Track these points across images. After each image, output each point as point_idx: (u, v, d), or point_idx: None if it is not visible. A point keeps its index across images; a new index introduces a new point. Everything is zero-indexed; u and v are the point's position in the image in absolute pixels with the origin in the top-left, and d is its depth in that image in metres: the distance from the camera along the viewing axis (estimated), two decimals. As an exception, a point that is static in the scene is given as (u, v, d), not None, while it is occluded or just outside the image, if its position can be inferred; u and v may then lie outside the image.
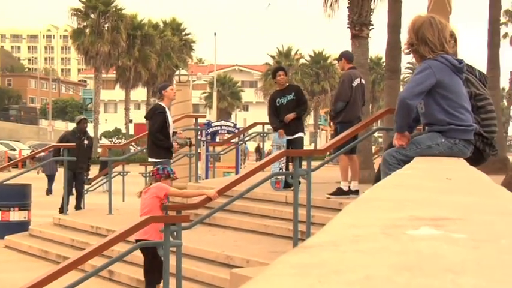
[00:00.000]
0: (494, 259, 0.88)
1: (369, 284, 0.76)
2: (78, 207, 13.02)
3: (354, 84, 9.31)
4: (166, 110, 9.73)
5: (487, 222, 1.26)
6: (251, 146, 53.21)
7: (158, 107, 9.73)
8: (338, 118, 9.27)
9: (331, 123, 9.35)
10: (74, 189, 13.37)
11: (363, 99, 9.59)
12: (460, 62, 4.03)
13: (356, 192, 8.79)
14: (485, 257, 0.90)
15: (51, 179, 20.56)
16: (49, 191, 20.28)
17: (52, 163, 17.40)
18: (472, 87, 4.50)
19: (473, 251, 0.94)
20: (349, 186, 9.18)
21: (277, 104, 10.31)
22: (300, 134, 10.19)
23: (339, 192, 8.99)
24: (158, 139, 9.52)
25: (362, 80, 9.57)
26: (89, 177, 14.15)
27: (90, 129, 49.42)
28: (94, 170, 16.68)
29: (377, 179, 4.52)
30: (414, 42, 3.99)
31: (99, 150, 41.54)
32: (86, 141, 13.18)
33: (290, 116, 10.00)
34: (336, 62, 10.16)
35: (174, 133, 10.11)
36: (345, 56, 9.65)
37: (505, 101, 78.80)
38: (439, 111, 4.01)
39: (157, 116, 9.60)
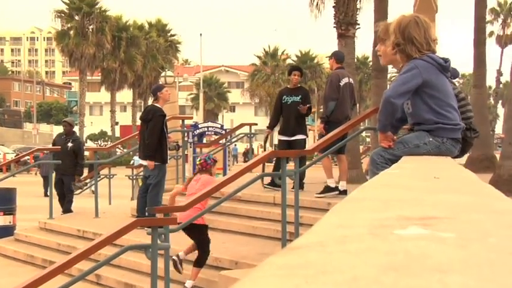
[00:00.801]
0: (482, 258, 0.88)
1: (356, 284, 0.76)
2: (65, 210, 12.91)
3: (341, 84, 9.36)
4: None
5: (475, 220, 1.26)
6: (241, 147, 53.28)
7: (158, 109, 9.64)
8: (330, 117, 9.31)
9: (323, 127, 9.33)
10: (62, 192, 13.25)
11: (353, 99, 9.63)
12: (446, 60, 4.06)
13: (344, 192, 8.82)
14: (473, 256, 0.90)
15: (47, 180, 20.48)
16: (46, 193, 20.19)
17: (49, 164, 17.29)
18: None
19: (461, 250, 0.94)
20: (337, 185, 9.21)
21: (283, 102, 10.36)
22: (299, 136, 10.15)
23: (327, 190, 9.02)
24: (154, 143, 9.43)
25: (350, 80, 9.61)
26: (78, 182, 13.73)
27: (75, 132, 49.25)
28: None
29: None
30: (401, 42, 3.99)
31: (86, 153, 41.41)
32: (69, 144, 13.01)
33: (304, 107, 9.96)
34: (328, 59, 10.23)
35: None
36: (335, 56, 9.74)
37: (491, 99, 79.38)
38: (427, 110, 4.03)
39: (158, 119, 9.53)
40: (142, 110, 10.23)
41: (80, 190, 14.20)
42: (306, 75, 65.17)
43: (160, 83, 19.70)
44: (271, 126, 10.62)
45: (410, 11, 9.04)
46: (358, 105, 11.61)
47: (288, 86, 10.65)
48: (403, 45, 3.99)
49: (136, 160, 34.43)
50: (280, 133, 10.47)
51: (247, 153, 54.71)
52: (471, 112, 4.54)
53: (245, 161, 44.74)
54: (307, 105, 10.09)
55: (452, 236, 1.05)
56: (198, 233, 7.32)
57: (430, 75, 3.97)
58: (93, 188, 13.68)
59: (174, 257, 7.21)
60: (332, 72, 9.60)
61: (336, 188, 9.05)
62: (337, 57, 9.68)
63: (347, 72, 9.81)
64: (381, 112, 4.06)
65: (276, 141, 10.54)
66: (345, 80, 9.42)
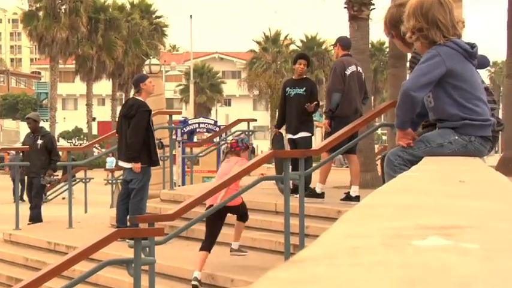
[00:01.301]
0: (509, 271, 0.90)
1: (368, 301, 0.78)
2: (32, 219, 12.89)
3: (347, 73, 9.37)
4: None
5: (502, 230, 1.28)
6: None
7: (142, 104, 9.63)
8: (336, 112, 9.33)
9: (328, 123, 9.39)
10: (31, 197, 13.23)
11: (362, 90, 9.63)
12: (473, 46, 4.05)
13: (357, 198, 8.84)
14: (499, 269, 0.92)
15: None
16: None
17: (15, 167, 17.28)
18: None
19: (486, 262, 0.96)
20: (348, 192, 9.23)
21: (286, 94, 10.39)
22: (303, 134, 10.11)
23: (311, 195, 9.08)
24: (139, 143, 9.43)
25: (359, 68, 9.61)
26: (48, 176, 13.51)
27: (46, 128, 49.19)
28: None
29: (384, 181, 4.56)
30: (424, 26, 3.98)
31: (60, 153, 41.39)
32: (38, 142, 13.01)
33: (311, 105, 9.95)
34: (332, 47, 10.27)
35: None
36: (340, 42, 9.74)
37: None
38: (451, 104, 4.03)
39: (142, 115, 9.52)
40: (123, 103, 10.20)
41: (49, 185, 14.02)
42: (313, 63, 65.18)
43: (144, 72, 19.73)
44: (279, 125, 10.60)
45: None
46: (373, 97, 11.67)
47: (294, 76, 10.64)
48: (426, 30, 3.98)
49: (110, 162, 34.11)
50: (286, 131, 10.49)
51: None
52: (495, 104, 4.57)
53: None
54: (315, 102, 10.06)
55: (477, 247, 1.07)
56: (236, 212, 7.99)
57: (455, 63, 3.97)
58: (66, 193, 13.69)
59: (195, 282, 7.40)
60: (336, 60, 9.62)
61: (323, 195, 9.21)
62: (342, 43, 9.71)
63: (354, 60, 9.83)
64: (399, 107, 4.07)
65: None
66: (351, 69, 9.42)
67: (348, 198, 9.06)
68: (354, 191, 9.14)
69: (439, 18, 3.95)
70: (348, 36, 13.16)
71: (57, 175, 13.32)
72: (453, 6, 4.05)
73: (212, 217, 7.50)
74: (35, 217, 12.92)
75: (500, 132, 4.48)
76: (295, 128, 10.14)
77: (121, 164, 9.88)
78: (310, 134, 10.30)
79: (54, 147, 13.21)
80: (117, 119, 10.62)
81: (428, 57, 3.97)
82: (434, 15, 3.96)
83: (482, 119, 4.06)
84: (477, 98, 4.06)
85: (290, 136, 10.25)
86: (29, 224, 12.63)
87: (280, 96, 10.65)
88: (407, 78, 4.06)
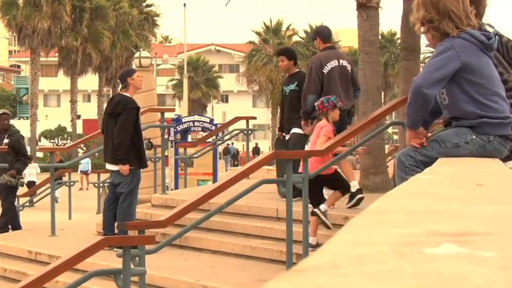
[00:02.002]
0: (527, 281, 0.91)
1: (375, 312, 0.79)
2: (1, 228, 12.74)
3: (325, 71, 9.43)
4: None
5: (522, 237, 1.29)
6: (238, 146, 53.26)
7: (129, 100, 9.60)
8: (314, 113, 9.41)
9: (306, 124, 9.54)
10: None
11: (350, 84, 9.65)
12: (489, 37, 4.06)
13: (360, 191, 8.94)
14: (517, 279, 0.93)
15: None
16: None
17: None
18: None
19: (502, 271, 0.97)
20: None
21: (283, 93, 10.57)
22: (295, 130, 10.18)
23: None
24: (126, 143, 9.43)
25: (342, 61, 9.62)
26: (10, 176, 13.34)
27: (26, 127, 49.24)
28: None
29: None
30: (434, 17, 4.00)
31: (39, 154, 41.40)
32: (5, 141, 12.88)
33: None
34: (313, 41, 10.32)
35: None
36: (319, 35, 9.85)
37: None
38: (467, 101, 4.04)
39: (130, 112, 9.51)
40: (109, 100, 10.19)
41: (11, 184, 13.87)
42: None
43: (134, 66, 19.74)
44: (281, 127, 10.67)
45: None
46: (383, 93, 11.80)
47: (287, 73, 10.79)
48: (437, 21, 4.00)
49: (85, 163, 33.85)
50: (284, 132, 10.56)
51: (237, 155, 54.59)
52: None
53: (235, 165, 44.73)
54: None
55: (494, 255, 1.08)
56: (331, 182, 8.30)
57: (470, 56, 3.98)
58: (47, 198, 13.66)
59: (316, 210, 7.83)
60: (312, 58, 9.65)
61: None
62: (323, 35, 9.79)
63: (337, 52, 9.90)
64: (410, 105, 4.08)
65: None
66: (331, 65, 9.47)
67: (352, 196, 9.07)
68: (354, 186, 9.20)
69: (451, 9, 3.96)
70: (356, 25, 13.22)
71: (22, 177, 13.10)
72: None
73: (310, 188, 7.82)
74: (3, 226, 12.75)
75: None
76: (289, 126, 10.23)
77: (108, 166, 9.87)
78: (300, 130, 10.35)
79: (22, 147, 13.11)
80: (102, 118, 10.61)
81: (441, 51, 3.98)
82: (445, 5, 3.97)
83: (501, 116, 4.06)
84: (495, 93, 4.06)
85: (287, 136, 10.33)
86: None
87: (281, 97, 10.71)
88: (420, 73, 4.06)
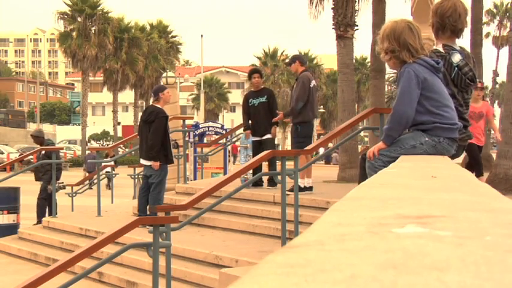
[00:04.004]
0: (478, 256, 0.88)
1: (355, 282, 0.76)
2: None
3: (311, 86, 9.73)
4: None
5: (471, 219, 1.26)
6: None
7: (160, 111, 9.55)
8: (298, 118, 9.63)
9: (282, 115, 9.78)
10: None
11: (317, 100, 10.20)
12: (438, 62, 4.07)
13: (310, 188, 9.29)
14: (470, 254, 0.90)
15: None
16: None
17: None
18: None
19: (458, 248, 0.94)
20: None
21: (250, 105, 10.59)
22: (269, 136, 10.48)
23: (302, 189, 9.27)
24: (158, 144, 9.39)
25: (315, 82, 10.01)
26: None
27: (78, 131, 49.03)
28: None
29: (361, 177, 4.52)
30: (396, 48, 3.99)
31: (88, 152, 41.39)
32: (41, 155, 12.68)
33: (280, 116, 10.13)
34: (289, 64, 10.56)
35: None
36: (298, 59, 10.09)
37: (488, 99, 79.40)
38: (424, 113, 4.01)
39: (161, 120, 9.47)
40: (144, 110, 10.17)
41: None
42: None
43: (162, 83, 19.69)
44: (247, 128, 10.79)
45: (408, 13, 9.03)
46: (356, 105, 12.00)
47: (252, 89, 10.92)
48: (398, 52, 3.99)
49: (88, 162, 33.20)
50: (252, 134, 10.69)
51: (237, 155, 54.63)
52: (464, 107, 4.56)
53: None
54: (281, 112, 10.29)
55: (450, 234, 1.05)
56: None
57: (425, 74, 3.98)
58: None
59: None
60: (302, 75, 9.87)
61: (304, 189, 9.33)
62: (300, 60, 10.18)
63: (312, 75, 10.26)
64: (393, 129, 3.96)
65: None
66: (313, 83, 9.84)
67: (302, 189, 9.18)
68: (308, 182, 9.43)
69: (409, 42, 3.97)
70: (335, 51, 13.28)
71: (62, 182, 12.80)
72: (420, 31, 4.07)
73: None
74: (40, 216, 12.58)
75: (466, 140, 4.46)
76: (263, 131, 10.41)
77: (142, 161, 9.85)
78: (272, 136, 10.54)
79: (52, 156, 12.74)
80: (138, 124, 10.59)
81: (408, 77, 3.94)
82: (405, 40, 3.97)
83: (451, 122, 4.05)
84: (446, 105, 4.04)
85: (256, 138, 10.55)
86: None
87: (243, 106, 10.74)
88: (386, 88, 4.00)
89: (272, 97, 10.64)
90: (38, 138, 13.09)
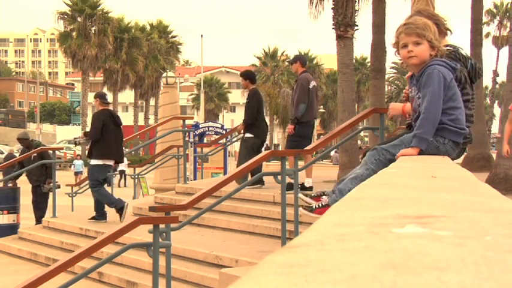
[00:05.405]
0: (478, 256, 0.88)
1: (355, 282, 0.76)
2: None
3: (310, 87, 9.75)
4: None
5: (471, 219, 1.26)
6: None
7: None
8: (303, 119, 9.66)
9: (292, 128, 9.78)
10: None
11: (317, 101, 10.20)
12: (456, 65, 4.05)
13: (311, 188, 9.21)
14: (470, 254, 0.90)
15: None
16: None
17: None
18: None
19: (458, 248, 0.94)
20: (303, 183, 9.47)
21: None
22: (246, 134, 10.64)
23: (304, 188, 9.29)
24: None
25: (315, 83, 10.05)
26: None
27: (78, 131, 48.96)
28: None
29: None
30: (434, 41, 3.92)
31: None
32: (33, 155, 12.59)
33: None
34: (290, 64, 10.75)
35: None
36: (299, 60, 10.11)
37: (488, 100, 79.40)
38: None
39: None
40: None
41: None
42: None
43: (162, 83, 19.70)
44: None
45: (408, 13, 9.02)
46: (357, 105, 12.02)
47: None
48: (436, 45, 3.93)
49: (78, 165, 32.54)
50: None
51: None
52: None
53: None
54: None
55: (450, 234, 1.05)
56: None
57: (449, 78, 3.91)
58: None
59: None
60: (300, 76, 9.92)
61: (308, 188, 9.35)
62: (302, 61, 10.19)
63: (311, 76, 10.31)
64: (428, 132, 3.85)
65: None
66: (312, 83, 9.85)
67: (303, 188, 9.19)
68: (308, 182, 9.45)
69: (435, 37, 3.92)
70: (336, 52, 13.30)
71: (57, 182, 12.77)
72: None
73: None
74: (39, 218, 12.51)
75: (468, 143, 4.40)
76: (246, 129, 10.67)
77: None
78: (252, 136, 10.62)
79: (45, 157, 12.42)
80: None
81: (438, 78, 3.78)
82: (435, 33, 3.94)
83: (459, 126, 3.97)
84: (457, 107, 3.98)
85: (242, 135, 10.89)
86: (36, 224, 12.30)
87: None
88: (426, 101, 3.78)
89: (248, 98, 10.84)
90: (26, 140, 12.91)
